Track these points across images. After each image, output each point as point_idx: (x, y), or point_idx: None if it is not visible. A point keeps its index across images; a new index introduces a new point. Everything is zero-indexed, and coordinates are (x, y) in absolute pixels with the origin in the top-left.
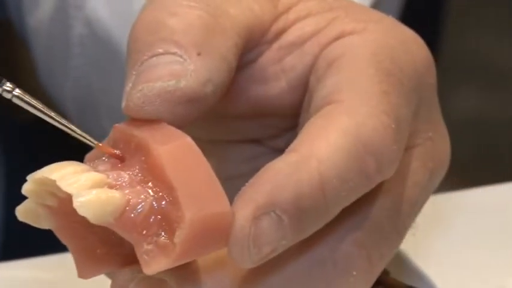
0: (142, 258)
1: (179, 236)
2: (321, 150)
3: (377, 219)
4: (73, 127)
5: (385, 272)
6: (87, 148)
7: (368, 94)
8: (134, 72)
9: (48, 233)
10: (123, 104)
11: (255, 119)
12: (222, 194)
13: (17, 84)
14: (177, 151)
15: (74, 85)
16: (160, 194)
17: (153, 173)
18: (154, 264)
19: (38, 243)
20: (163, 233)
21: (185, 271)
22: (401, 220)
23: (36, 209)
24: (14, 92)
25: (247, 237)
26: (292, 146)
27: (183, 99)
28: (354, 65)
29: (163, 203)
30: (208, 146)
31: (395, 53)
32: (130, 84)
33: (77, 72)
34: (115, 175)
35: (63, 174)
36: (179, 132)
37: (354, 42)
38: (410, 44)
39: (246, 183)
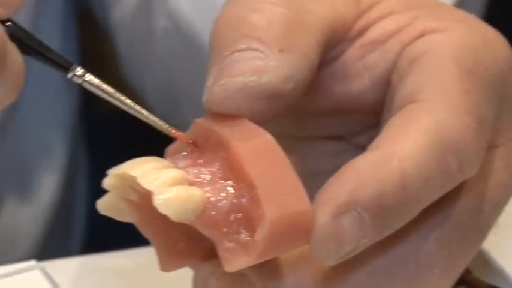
0: (223, 255)
1: (260, 234)
2: (403, 148)
3: (459, 218)
4: (146, 113)
5: (467, 271)
6: (170, 141)
7: (450, 93)
8: (216, 67)
9: (131, 227)
10: (204, 98)
11: (338, 115)
12: (302, 192)
13: (99, 76)
14: (257, 149)
15: (156, 78)
16: (240, 191)
17: (233, 170)
18: (235, 262)
19: (121, 236)
20: (244, 231)
21: (267, 266)
22: (484, 219)
23: (118, 203)
24: (85, 78)
25: (328, 235)
26: (374, 143)
27: (263, 95)
28: (436, 63)
29: (244, 200)
30: (292, 142)
31: (478, 51)
32: (212, 79)
33: (160, 65)
34: (195, 171)
35: (144, 171)
36: (259, 129)
37: (436, 41)
38: (493, 43)
39: (327, 181)
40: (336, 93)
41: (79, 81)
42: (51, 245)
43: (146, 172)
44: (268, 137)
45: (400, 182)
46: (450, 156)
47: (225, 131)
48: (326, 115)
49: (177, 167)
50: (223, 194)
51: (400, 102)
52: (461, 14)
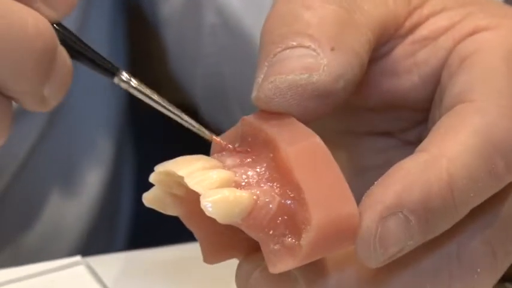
0: (268, 257)
1: (306, 238)
2: (450, 149)
3: (506, 218)
4: (189, 119)
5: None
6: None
7: (500, 94)
8: (266, 64)
9: (175, 222)
10: (254, 94)
11: (387, 111)
12: (349, 195)
13: (148, 71)
14: (305, 151)
15: (204, 73)
16: (287, 194)
17: (280, 172)
18: (280, 264)
19: (165, 232)
20: (289, 234)
21: (313, 264)
22: None
23: (164, 197)
24: (131, 83)
25: (373, 237)
26: (422, 145)
27: (314, 94)
28: (487, 62)
29: (290, 203)
30: (341, 137)
31: None
32: (262, 76)
33: (208, 60)
34: (242, 172)
35: (191, 171)
36: (308, 130)
37: (488, 39)
38: None
39: (375, 182)
40: (385, 89)
41: (124, 86)
42: (96, 240)
43: (193, 172)
44: (316, 139)
45: (447, 184)
46: (499, 158)
47: (273, 130)
48: (375, 111)
49: (224, 166)
50: (270, 197)
51: (450, 101)
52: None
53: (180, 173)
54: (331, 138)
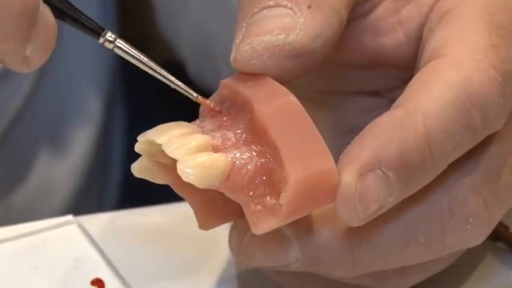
0: (250, 218)
1: (285, 197)
2: (426, 104)
3: (492, 166)
4: (175, 80)
5: (504, 227)
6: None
7: (476, 48)
8: (244, 24)
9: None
10: (232, 56)
11: (373, 70)
12: (326, 152)
13: (136, 29)
14: (280, 110)
15: (191, 31)
16: (265, 154)
17: (257, 133)
18: (262, 224)
19: (158, 190)
20: (269, 193)
21: (303, 222)
22: None
23: (151, 166)
24: (116, 43)
25: (353, 195)
26: (397, 101)
27: (291, 54)
28: (465, 17)
29: (268, 163)
30: (329, 97)
31: (508, 3)
32: (240, 37)
33: (195, 17)
34: (220, 135)
35: (170, 138)
36: (283, 89)
37: None
38: None
39: (351, 141)
40: (368, 47)
41: (110, 46)
42: (87, 199)
43: (171, 139)
44: (291, 98)
45: (424, 138)
46: (474, 111)
47: (249, 91)
48: (361, 69)
49: (202, 131)
50: (248, 158)
51: (427, 56)
52: None
53: (159, 140)
54: (319, 98)
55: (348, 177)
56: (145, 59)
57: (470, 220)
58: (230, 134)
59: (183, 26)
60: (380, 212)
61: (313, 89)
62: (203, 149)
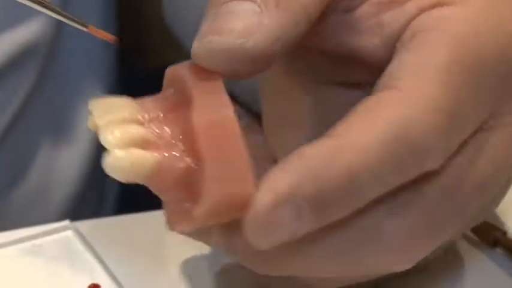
0: (168, 216)
1: (198, 209)
2: (358, 140)
3: (429, 202)
4: (64, 13)
5: (502, 233)
6: None
7: (430, 87)
8: (211, 15)
9: None
10: (192, 47)
11: (352, 63)
12: (248, 176)
13: (140, 15)
14: (215, 124)
15: (196, 20)
16: (192, 161)
17: (190, 138)
18: (177, 226)
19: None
20: (188, 199)
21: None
22: (462, 200)
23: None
24: None
25: (261, 225)
26: (332, 130)
27: (247, 59)
28: (433, 46)
29: (194, 171)
30: (316, 86)
31: (483, 36)
32: (206, 26)
33: (200, 6)
34: (157, 129)
35: (109, 121)
36: (226, 101)
37: (445, 16)
38: (510, 22)
39: (275, 166)
40: (344, 42)
41: None
42: (86, 202)
43: (110, 123)
44: (230, 113)
45: (347, 177)
46: (409, 155)
47: (195, 91)
48: (340, 61)
49: (142, 120)
50: (176, 160)
51: (381, 83)
52: None
53: (98, 120)
54: (306, 86)
55: (261, 204)
56: None
57: (391, 247)
58: (166, 130)
59: (187, 14)
60: (292, 239)
61: (300, 77)
62: (136, 143)
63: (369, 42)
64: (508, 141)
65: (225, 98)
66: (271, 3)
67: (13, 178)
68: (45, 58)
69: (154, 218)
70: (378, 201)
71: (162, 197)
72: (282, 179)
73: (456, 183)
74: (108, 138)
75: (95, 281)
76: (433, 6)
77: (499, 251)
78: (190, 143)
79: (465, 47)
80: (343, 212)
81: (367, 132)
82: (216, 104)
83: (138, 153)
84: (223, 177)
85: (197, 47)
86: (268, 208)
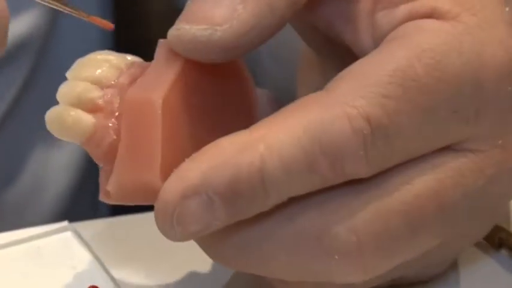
0: (100, 186)
1: (108, 187)
2: (272, 136)
3: (379, 208)
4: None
5: (507, 233)
6: None
7: (361, 92)
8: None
9: None
10: (168, 32)
11: (343, 50)
12: (155, 164)
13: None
14: (139, 104)
15: None
16: (117, 137)
17: (121, 113)
18: (102, 197)
19: None
20: (110, 172)
21: None
22: (399, 221)
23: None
24: None
25: (170, 215)
26: (255, 124)
27: (215, 50)
28: (387, 52)
29: (116, 147)
30: (319, 59)
31: (454, 54)
32: (184, 11)
33: None
34: (111, 97)
35: (75, 76)
36: (164, 85)
37: (423, 28)
38: (493, 46)
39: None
40: (338, 33)
41: None
42: (81, 199)
43: (73, 79)
44: (155, 98)
45: (258, 172)
46: (322, 158)
47: (150, 69)
48: (333, 41)
49: (105, 84)
50: (107, 134)
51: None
52: (488, 3)
53: (69, 72)
54: (310, 58)
55: (168, 196)
56: None
57: (336, 257)
58: (116, 100)
59: None
60: (206, 232)
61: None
62: (83, 103)
63: (361, 40)
64: (482, 166)
65: (167, 82)
66: None
67: (6, 177)
68: (39, 52)
69: (150, 219)
70: (328, 204)
71: (99, 165)
72: (193, 168)
73: (388, 199)
74: (61, 90)
75: (94, 283)
76: (423, 16)
77: (504, 252)
78: (121, 117)
79: (423, 60)
80: (257, 207)
81: (282, 130)
82: (153, 85)
83: (76, 113)
84: (131, 160)
85: (169, 33)
86: (176, 199)
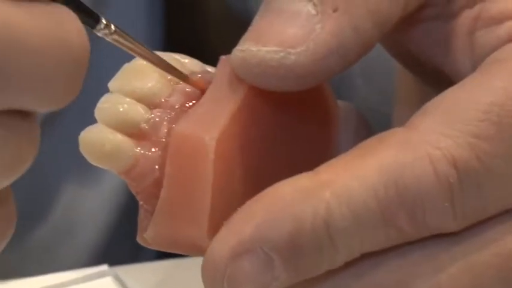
0: (139, 225)
1: (147, 234)
2: (342, 182)
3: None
4: (169, 63)
5: None
6: None
7: (450, 131)
8: (265, 5)
9: None
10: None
11: (435, 78)
12: (203, 219)
13: None
14: (190, 142)
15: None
16: (160, 173)
17: (167, 146)
18: (140, 240)
19: None
20: (151, 215)
21: None
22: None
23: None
24: (110, 30)
25: (220, 277)
26: (320, 166)
27: (288, 76)
28: (484, 79)
29: (159, 185)
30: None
31: None
32: (254, 24)
33: None
34: (157, 122)
35: (120, 88)
36: (222, 121)
37: None
38: None
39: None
40: (431, 56)
41: (101, 34)
42: (119, 241)
43: (119, 91)
44: (208, 139)
45: (323, 223)
46: (400, 209)
47: (208, 95)
48: (423, 71)
49: (154, 102)
50: (151, 169)
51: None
52: None
53: (111, 82)
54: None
55: (218, 255)
56: (140, 48)
57: None
58: (165, 125)
59: None
60: None
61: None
62: (127, 126)
63: (458, 62)
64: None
65: (225, 116)
66: (328, 6)
67: (35, 213)
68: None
69: (198, 264)
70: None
71: (138, 199)
72: (247, 220)
73: (479, 252)
74: (100, 107)
75: None
76: None
77: None
78: (166, 151)
79: None
80: (323, 264)
81: (354, 172)
82: (208, 118)
83: (116, 138)
84: (174, 209)
85: (233, 54)
86: (227, 258)
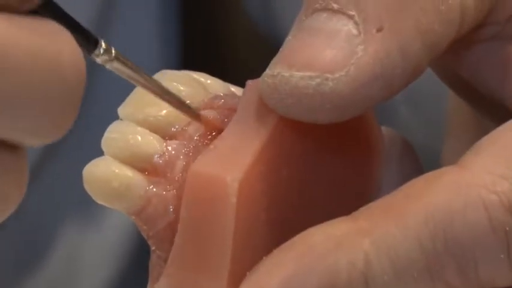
0: (150, 270)
1: (159, 285)
2: (383, 230)
3: None
4: (177, 96)
5: None
6: None
7: (507, 172)
8: (299, 24)
9: None
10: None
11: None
12: (225, 271)
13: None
14: (209, 183)
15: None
16: (175, 216)
17: (183, 185)
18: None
19: None
20: (164, 261)
21: None
22: None
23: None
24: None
25: None
26: (357, 211)
27: (325, 106)
28: None
29: (174, 229)
30: None
31: None
32: (283, 50)
33: None
34: (173, 156)
35: (131, 113)
36: (249, 156)
37: None
38: None
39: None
40: (485, 82)
41: (100, 60)
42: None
43: (129, 117)
44: (230, 180)
45: (361, 275)
46: (449, 260)
47: (230, 128)
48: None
49: (167, 131)
50: (167, 209)
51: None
52: None
53: (121, 108)
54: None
55: None
56: (143, 77)
57: None
58: (181, 160)
59: (268, 3)
60: None
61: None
62: (138, 160)
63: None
64: None
65: (250, 154)
66: (371, 26)
67: (32, 258)
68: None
69: None
70: None
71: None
72: (273, 273)
73: None
74: (107, 137)
75: None
76: None
77: None
78: (182, 190)
79: None
80: None
81: (396, 218)
82: (230, 155)
83: (125, 174)
84: (190, 259)
85: (262, 79)
86: None
